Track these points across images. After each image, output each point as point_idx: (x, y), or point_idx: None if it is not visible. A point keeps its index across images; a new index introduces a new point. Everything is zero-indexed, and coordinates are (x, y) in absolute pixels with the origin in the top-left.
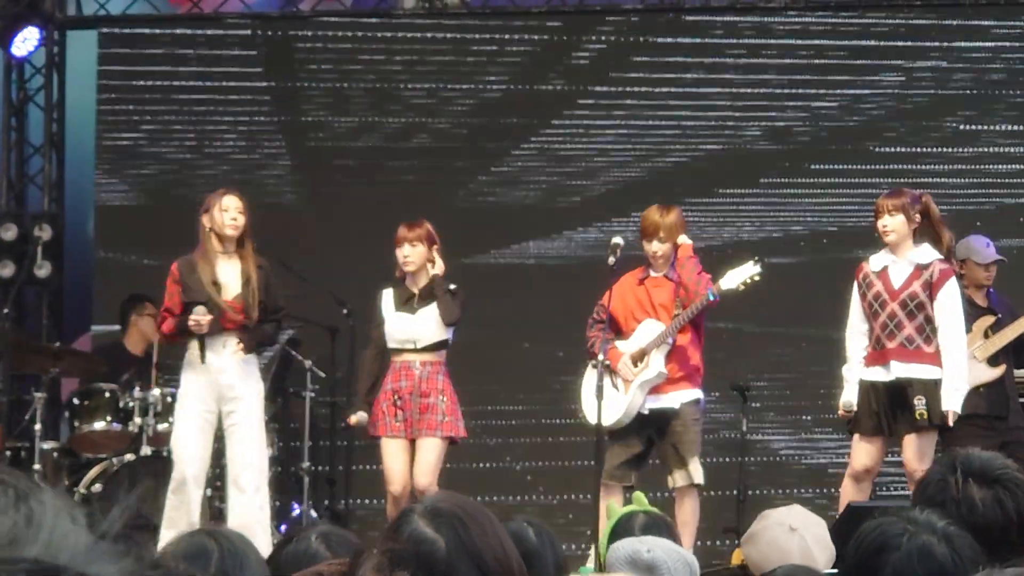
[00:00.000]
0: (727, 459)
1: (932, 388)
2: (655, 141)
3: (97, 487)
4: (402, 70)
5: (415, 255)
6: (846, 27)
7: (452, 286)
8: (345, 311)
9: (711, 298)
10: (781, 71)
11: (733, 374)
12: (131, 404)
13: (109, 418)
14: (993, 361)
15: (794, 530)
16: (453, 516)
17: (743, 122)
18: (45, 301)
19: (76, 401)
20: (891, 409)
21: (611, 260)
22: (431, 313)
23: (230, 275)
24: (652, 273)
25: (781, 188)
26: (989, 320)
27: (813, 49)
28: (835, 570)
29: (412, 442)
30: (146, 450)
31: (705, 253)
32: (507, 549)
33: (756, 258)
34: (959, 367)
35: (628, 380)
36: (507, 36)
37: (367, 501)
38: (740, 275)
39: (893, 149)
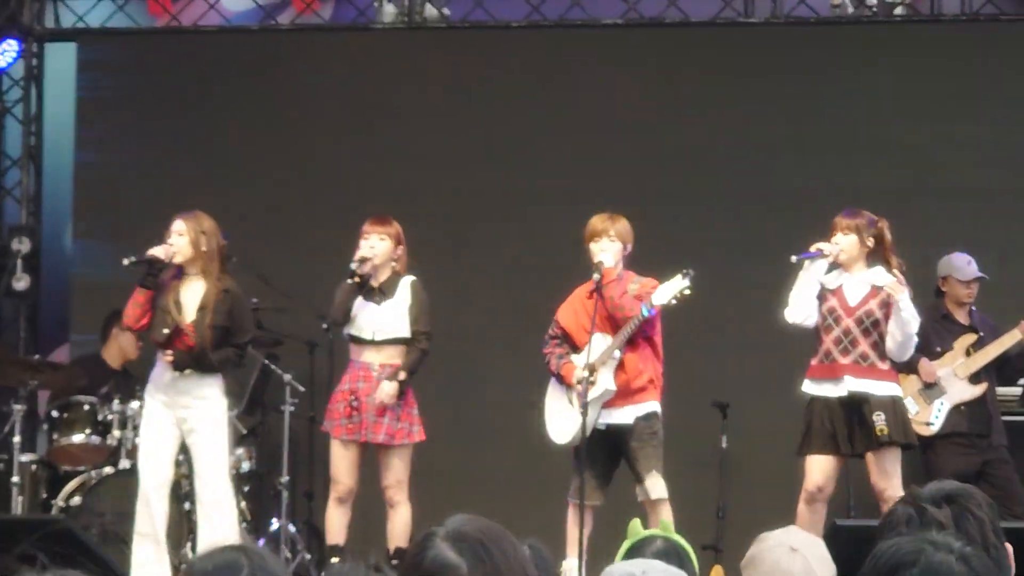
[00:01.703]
0: (707, 475)
1: (889, 404)
2: None
3: (76, 500)
4: (383, 82)
5: (381, 248)
6: None
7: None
8: (325, 326)
9: (646, 313)
10: None
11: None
12: (110, 417)
13: (88, 431)
14: (975, 379)
15: (795, 551)
16: (476, 540)
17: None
18: (23, 313)
19: (55, 414)
20: (846, 426)
21: (595, 276)
22: (394, 308)
23: (191, 298)
24: (600, 290)
25: None
26: (971, 338)
27: None
28: None
29: (363, 445)
30: (125, 463)
31: None
32: (529, 574)
33: (684, 271)
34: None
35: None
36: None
37: None
38: (670, 290)
39: None
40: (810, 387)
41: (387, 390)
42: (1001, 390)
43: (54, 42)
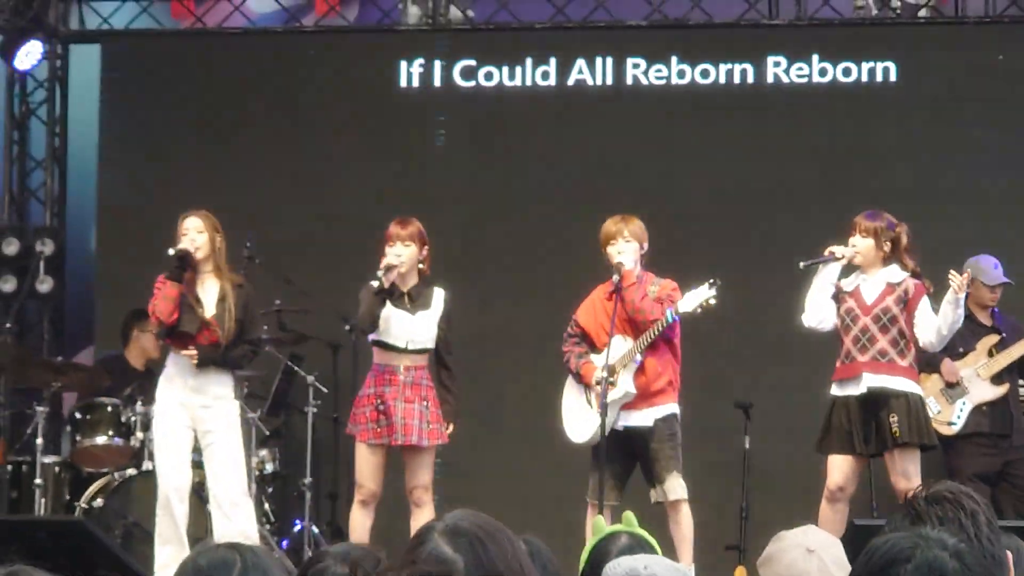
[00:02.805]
0: (730, 476)
1: (905, 403)
2: None
3: (98, 502)
4: (405, 84)
5: (407, 254)
6: None
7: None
8: (348, 327)
9: (671, 319)
10: None
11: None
12: (133, 419)
13: (111, 432)
14: (997, 380)
15: (812, 552)
16: (473, 535)
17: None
18: (47, 315)
19: (78, 415)
20: (863, 425)
21: (615, 278)
22: (428, 317)
23: (208, 294)
24: (619, 291)
25: None
26: (993, 339)
27: None
28: None
29: (389, 448)
30: (148, 465)
31: None
32: (526, 569)
33: (711, 281)
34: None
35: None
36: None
37: None
38: (696, 298)
39: None
40: (835, 389)
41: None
42: (1022, 391)
43: (79, 44)
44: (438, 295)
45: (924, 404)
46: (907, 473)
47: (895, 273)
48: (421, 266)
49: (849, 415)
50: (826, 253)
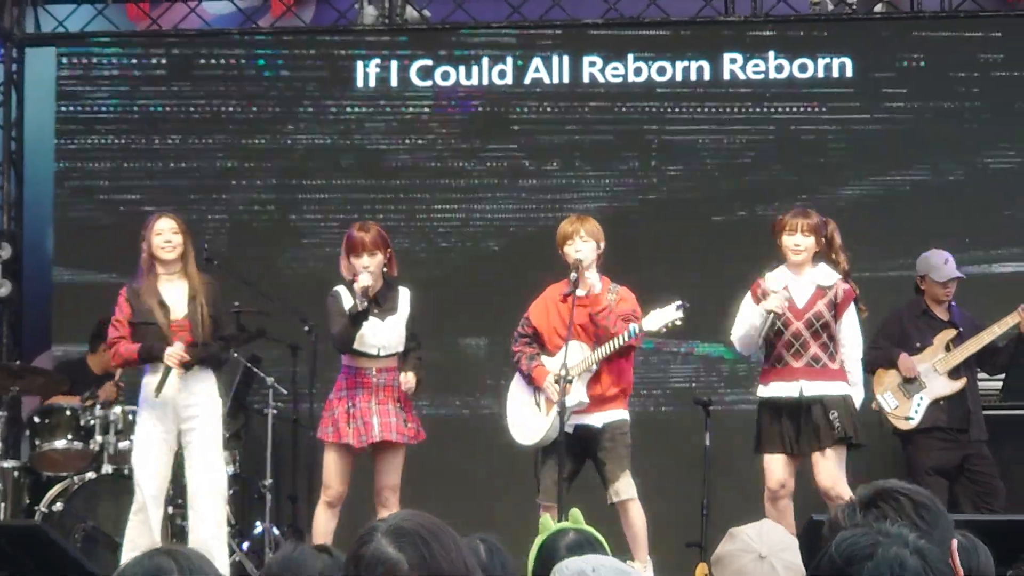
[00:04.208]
0: (691, 473)
1: (841, 403)
2: None
3: (58, 506)
4: (362, 84)
5: (374, 265)
6: None
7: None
8: (307, 328)
9: (630, 337)
10: None
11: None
12: (92, 422)
13: (70, 436)
14: (954, 374)
15: (763, 558)
16: (416, 535)
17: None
18: (5, 319)
19: (37, 419)
20: (794, 426)
21: (572, 276)
22: (398, 322)
23: (176, 295)
24: (575, 291)
25: None
26: (951, 333)
27: None
28: None
29: (358, 450)
30: (107, 468)
31: None
32: (469, 568)
33: (679, 303)
34: (860, 383)
35: (552, 401)
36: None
37: None
38: (662, 318)
39: None
40: (763, 391)
41: (411, 382)
42: (983, 384)
43: (34, 47)
44: (403, 296)
45: (854, 404)
46: (835, 472)
47: (825, 274)
48: (386, 270)
49: (780, 416)
50: (764, 312)
